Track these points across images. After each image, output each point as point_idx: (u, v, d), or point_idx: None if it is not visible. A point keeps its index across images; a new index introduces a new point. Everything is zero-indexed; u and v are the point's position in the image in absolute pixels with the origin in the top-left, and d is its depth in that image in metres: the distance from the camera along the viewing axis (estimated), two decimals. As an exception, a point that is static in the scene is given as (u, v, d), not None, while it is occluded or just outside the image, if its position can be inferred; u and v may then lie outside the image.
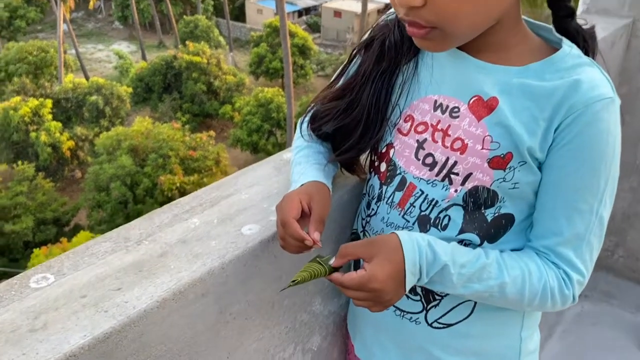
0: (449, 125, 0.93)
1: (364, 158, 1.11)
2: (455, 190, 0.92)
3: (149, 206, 15.98)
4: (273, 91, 19.93)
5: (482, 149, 0.89)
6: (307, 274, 0.85)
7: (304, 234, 0.87)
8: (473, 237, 0.93)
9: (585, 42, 0.93)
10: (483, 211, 0.92)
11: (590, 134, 0.84)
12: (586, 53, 0.92)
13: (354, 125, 1.02)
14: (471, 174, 0.90)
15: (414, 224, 0.95)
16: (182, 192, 15.67)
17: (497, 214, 0.92)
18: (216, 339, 0.95)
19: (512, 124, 0.87)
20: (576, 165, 0.87)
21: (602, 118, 0.84)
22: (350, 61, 1.06)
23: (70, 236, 15.61)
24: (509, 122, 0.88)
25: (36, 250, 14.56)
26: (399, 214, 0.96)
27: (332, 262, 0.87)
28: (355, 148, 1.03)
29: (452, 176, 0.92)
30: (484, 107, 0.90)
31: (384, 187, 0.99)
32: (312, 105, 1.10)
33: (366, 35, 1.04)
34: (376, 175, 1.02)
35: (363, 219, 1.06)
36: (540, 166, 0.90)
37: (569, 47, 0.89)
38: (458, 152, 0.91)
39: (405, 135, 0.98)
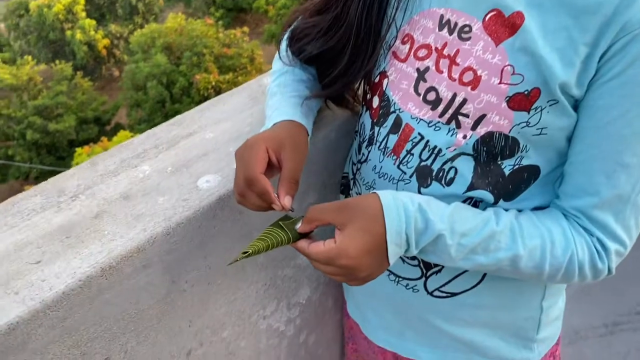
0: (458, 50, 0.69)
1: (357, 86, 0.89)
2: (464, 137, 0.70)
3: (186, 105, 15.97)
4: (309, -19, 18.81)
5: (500, 83, 0.66)
6: (264, 244, 0.68)
7: (274, 196, 0.69)
8: (485, 194, 0.72)
9: None
10: (499, 162, 0.71)
11: None
12: None
13: (341, 47, 0.79)
14: (484, 116, 0.68)
15: (411, 176, 0.75)
16: (218, 91, 15.54)
17: (517, 167, 0.71)
18: (172, 310, 0.81)
19: (542, 50, 0.64)
20: (626, 106, 0.64)
21: None
22: None
23: (111, 135, 15.91)
24: (538, 47, 0.64)
25: (79, 149, 14.96)
26: (394, 163, 0.76)
27: (298, 226, 0.69)
28: (343, 78, 0.81)
29: (461, 118, 0.70)
30: (503, 25, 0.66)
31: (376, 128, 0.79)
32: (292, 18, 0.87)
33: None
34: (368, 112, 0.81)
35: (354, 164, 0.86)
36: (576, 106, 0.67)
37: None
38: (468, 87, 0.68)
39: (403, 61, 0.75)
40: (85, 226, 0.74)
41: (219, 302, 0.88)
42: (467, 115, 0.69)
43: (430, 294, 0.83)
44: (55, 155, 16.74)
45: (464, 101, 0.69)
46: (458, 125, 0.70)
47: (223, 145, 0.88)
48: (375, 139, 0.79)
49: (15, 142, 16.52)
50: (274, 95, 0.85)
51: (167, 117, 16.33)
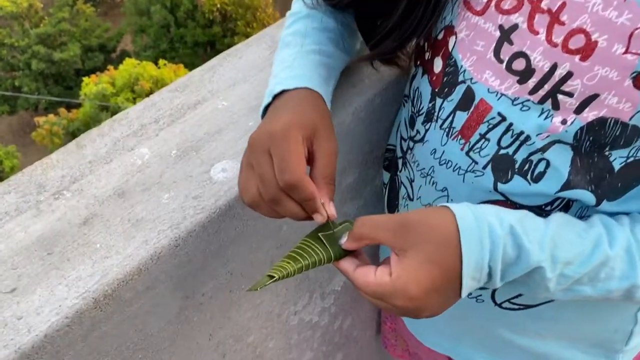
0: (564, 4, 0.49)
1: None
2: (563, 122, 0.51)
3: (191, 29, 15.43)
4: None
5: (626, 53, 0.46)
6: (298, 265, 0.52)
7: (319, 204, 0.52)
8: (584, 194, 0.54)
9: None
10: (607, 154, 0.52)
11: None
12: None
13: None
14: (596, 96, 0.49)
15: (485, 167, 0.57)
16: (224, 15, 14.94)
17: (632, 160, 0.52)
18: (187, 328, 0.66)
19: None
20: None
21: None
22: None
23: (117, 63, 15.50)
24: None
25: (85, 79, 14.64)
26: (461, 149, 0.58)
27: (343, 241, 0.53)
28: (397, 32, 0.60)
29: (561, 97, 0.50)
30: None
31: (438, 100, 0.60)
32: None
33: None
34: (426, 76, 0.62)
35: (404, 140, 0.68)
36: None
37: None
38: (576, 57, 0.48)
39: (479, 13, 0.55)
40: (72, 237, 0.58)
41: (243, 308, 0.73)
42: (570, 95, 0.50)
43: (499, 305, 0.67)
44: (62, 85, 16.46)
45: (569, 75, 0.49)
46: (556, 107, 0.51)
47: (241, 118, 0.70)
48: (436, 114, 0.60)
49: (22, 73, 16.21)
50: (286, 47, 0.65)
51: (172, 42, 15.84)
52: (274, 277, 0.51)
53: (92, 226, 0.59)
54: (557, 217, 0.52)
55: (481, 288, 0.52)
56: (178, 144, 0.67)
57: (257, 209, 0.54)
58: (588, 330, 0.68)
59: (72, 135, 12.96)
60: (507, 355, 0.74)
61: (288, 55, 0.64)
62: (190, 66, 12.77)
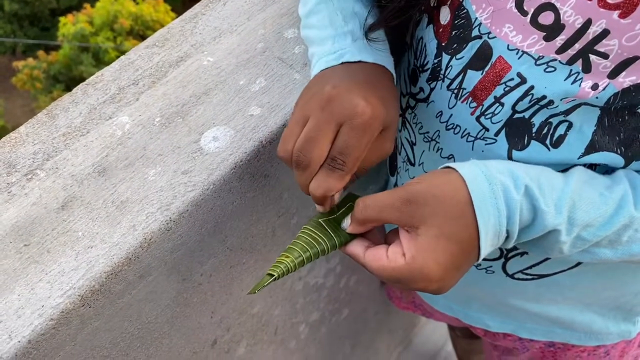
0: None
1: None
2: (594, 87, 0.43)
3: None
4: None
5: None
6: (300, 258, 0.47)
7: (330, 202, 0.50)
8: (612, 157, 0.47)
9: None
10: (638, 111, 0.45)
11: None
12: None
13: None
14: (637, 58, 0.41)
15: (497, 134, 0.50)
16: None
17: None
18: (187, 310, 0.61)
19: None
20: None
21: None
22: None
23: (93, 1, 14.84)
24: None
25: (62, 19, 14.04)
26: (471, 113, 0.51)
27: (346, 225, 0.48)
28: None
29: (594, 58, 0.42)
30: None
31: (444, 57, 0.52)
32: None
33: None
34: (431, 27, 0.54)
35: (403, 95, 0.61)
36: None
37: None
38: (615, 13, 0.40)
39: None
40: (50, 224, 0.52)
41: (245, 282, 0.68)
42: (605, 56, 0.42)
43: (511, 276, 0.62)
44: (38, 27, 15.82)
45: (604, 33, 0.41)
46: (587, 69, 0.43)
47: (230, 75, 0.62)
48: (442, 72, 0.52)
49: (-6, 15, 15.53)
50: (320, 11, 0.55)
51: (150, -23, 15.12)
52: (274, 275, 0.46)
53: (71, 211, 0.52)
54: (579, 173, 0.46)
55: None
56: (161, 109, 0.59)
57: (285, 163, 0.49)
58: (606, 295, 0.63)
59: (54, 78, 12.63)
60: (518, 320, 0.70)
61: (338, 19, 0.54)
62: (170, 1, 12.24)
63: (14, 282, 0.48)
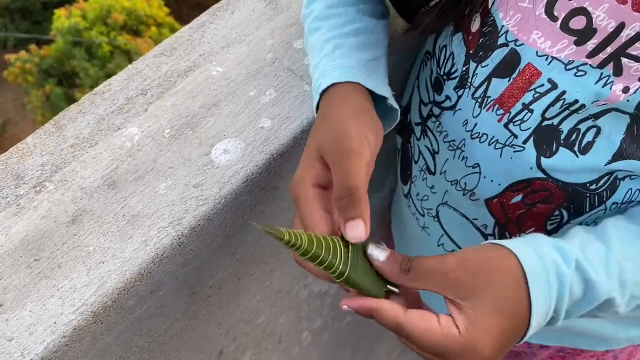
0: None
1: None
2: (626, 90, 0.44)
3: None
4: None
5: None
6: (312, 248, 0.40)
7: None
8: (638, 165, 0.48)
9: None
10: None
11: None
12: None
13: None
14: None
15: (526, 142, 0.50)
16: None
17: None
18: (195, 323, 0.61)
19: None
20: None
21: None
22: None
23: (87, -5, 14.72)
24: None
25: (57, 12, 13.92)
26: (499, 121, 0.51)
27: (380, 257, 0.42)
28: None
29: (626, 62, 0.43)
30: None
31: (472, 65, 0.52)
32: None
33: None
34: (461, 34, 0.54)
35: (424, 104, 0.61)
36: None
37: None
38: None
39: None
40: (60, 239, 0.51)
41: (253, 293, 0.68)
42: (636, 59, 0.42)
43: None
44: (30, 21, 15.67)
45: (638, 37, 0.41)
46: (618, 72, 0.44)
47: (240, 86, 0.61)
48: (469, 80, 0.52)
49: (-14, 8, 15.38)
50: (318, 31, 0.56)
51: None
52: (284, 239, 0.39)
53: (82, 225, 0.52)
54: (615, 232, 0.46)
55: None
56: (171, 120, 0.59)
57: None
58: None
59: (46, 73, 12.51)
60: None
61: (333, 47, 0.54)
62: (164, -4, 12.15)
63: (25, 298, 0.48)
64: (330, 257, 0.41)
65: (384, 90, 0.52)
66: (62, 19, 13.35)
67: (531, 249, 0.42)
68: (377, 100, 0.52)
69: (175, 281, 0.54)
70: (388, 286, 0.43)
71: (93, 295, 0.48)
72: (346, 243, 0.42)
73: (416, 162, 0.65)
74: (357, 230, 0.42)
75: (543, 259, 0.42)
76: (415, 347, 0.41)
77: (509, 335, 0.41)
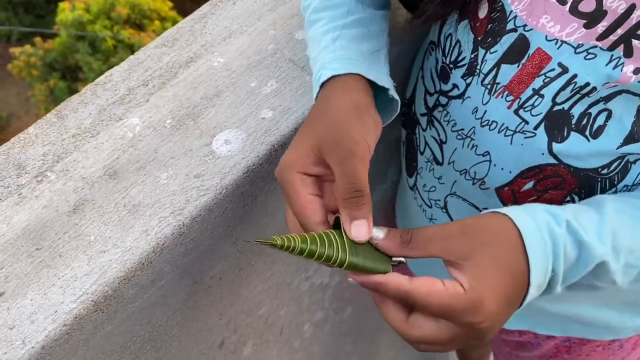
0: None
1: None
2: (636, 71, 0.44)
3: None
4: None
5: None
6: (305, 245, 0.41)
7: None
8: None
9: None
10: None
11: None
12: None
13: None
14: None
15: (537, 127, 0.50)
16: None
17: None
18: (196, 313, 0.61)
19: None
20: None
21: None
22: None
23: (90, -11, 14.70)
24: None
25: (61, 4, 13.92)
26: (508, 107, 0.50)
27: (379, 235, 0.43)
28: None
29: (637, 43, 0.43)
30: None
31: (481, 51, 0.52)
32: None
33: None
34: (467, 21, 0.53)
35: (430, 93, 0.60)
36: None
37: None
38: None
39: None
40: (61, 228, 0.51)
41: (253, 284, 0.69)
42: None
43: None
44: (34, 14, 15.68)
45: None
46: (629, 53, 0.44)
47: (241, 77, 0.61)
48: (478, 67, 0.52)
49: (-11, 2, 15.39)
50: (318, 23, 0.56)
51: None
52: (277, 244, 0.41)
53: (83, 214, 0.52)
54: (612, 204, 0.46)
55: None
56: (172, 111, 0.59)
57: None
58: (628, 292, 0.64)
59: (50, 66, 12.52)
60: (536, 317, 0.70)
61: (329, 39, 0.54)
62: (168, -11, 12.13)
63: (26, 286, 0.48)
64: (326, 249, 0.41)
65: (384, 81, 0.52)
66: (66, 12, 13.33)
67: (524, 213, 0.43)
68: (378, 91, 0.52)
69: (176, 271, 0.54)
70: (393, 258, 0.43)
71: (94, 284, 0.48)
72: (340, 232, 0.43)
73: (422, 153, 0.64)
74: (362, 230, 0.43)
75: (536, 220, 0.43)
76: (423, 312, 0.42)
77: (511, 290, 0.42)
